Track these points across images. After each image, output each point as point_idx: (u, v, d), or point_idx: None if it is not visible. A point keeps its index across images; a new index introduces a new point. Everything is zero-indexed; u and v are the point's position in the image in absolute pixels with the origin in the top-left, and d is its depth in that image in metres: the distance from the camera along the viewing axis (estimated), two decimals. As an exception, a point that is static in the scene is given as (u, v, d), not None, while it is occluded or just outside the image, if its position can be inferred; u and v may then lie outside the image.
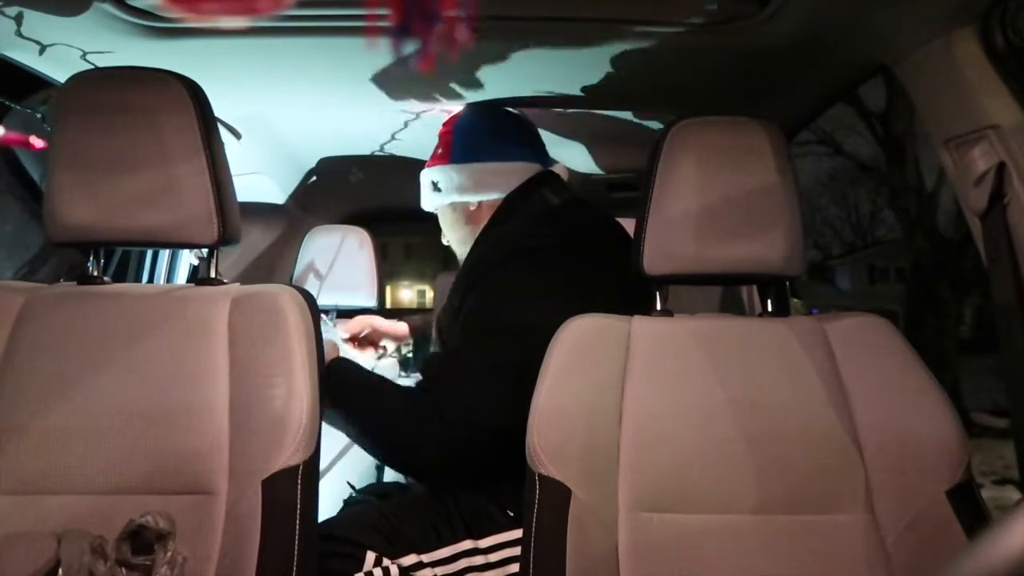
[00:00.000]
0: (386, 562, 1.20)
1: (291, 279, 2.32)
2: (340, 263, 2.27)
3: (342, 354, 1.49)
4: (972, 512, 1.02)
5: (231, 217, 1.15)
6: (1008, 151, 1.06)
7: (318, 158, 2.16)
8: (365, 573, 1.19)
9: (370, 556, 1.20)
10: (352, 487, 1.61)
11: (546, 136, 1.85)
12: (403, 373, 1.89)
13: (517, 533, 1.21)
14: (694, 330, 1.16)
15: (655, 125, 1.79)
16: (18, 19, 1.18)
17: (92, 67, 1.26)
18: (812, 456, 1.08)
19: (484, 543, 1.26)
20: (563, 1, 1.19)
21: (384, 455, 1.36)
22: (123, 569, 0.89)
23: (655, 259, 1.17)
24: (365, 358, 1.72)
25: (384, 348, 1.77)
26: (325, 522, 1.29)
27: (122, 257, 1.91)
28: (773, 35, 1.23)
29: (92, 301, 1.12)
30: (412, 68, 1.32)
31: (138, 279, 2.01)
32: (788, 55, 1.30)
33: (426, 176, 1.55)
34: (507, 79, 1.49)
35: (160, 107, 1.11)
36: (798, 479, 1.07)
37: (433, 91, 1.56)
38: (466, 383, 1.24)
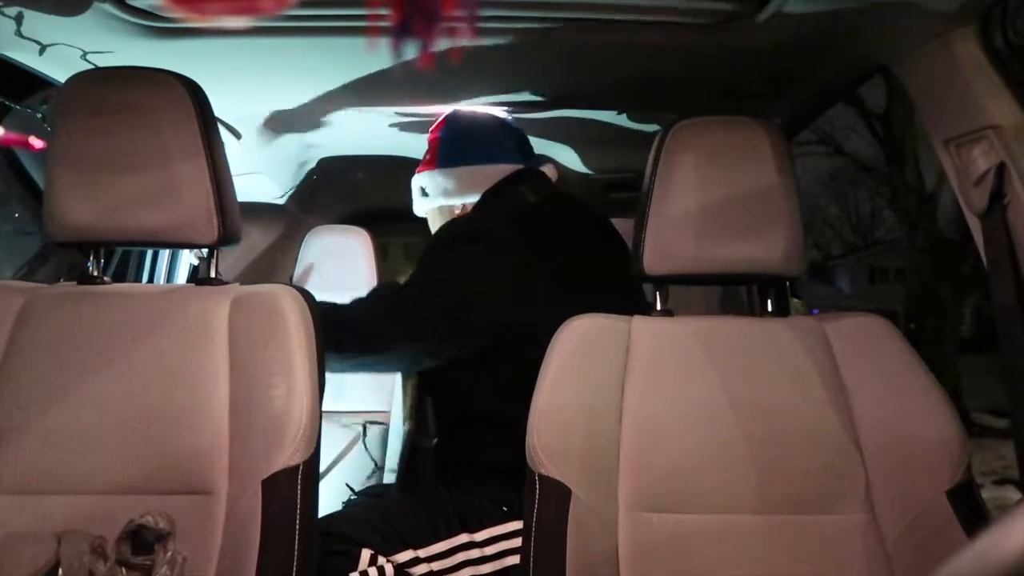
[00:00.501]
0: (381, 560, 1.21)
1: (291, 279, 2.32)
2: (340, 263, 2.27)
3: None
4: (972, 512, 1.02)
5: (231, 217, 1.15)
6: (1008, 151, 1.06)
7: (318, 158, 2.16)
8: (360, 572, 1.19)
9: (365, 554, 1.20)
10: (351, 488, 1.61)
11: (546, 136, 1.85)
12: None
13: (513, 526, 1.22)
14: (694, 330, 1.16)
15: (655, 125, 1.79)
16: (18, 19, 1.18)
17: (92, 67, 1.26)
18: (812, 456, 1.08)
19: (480, 536, 1.26)
20: (563, 2, 1.19)
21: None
22: (123, 569, 0.89)
23: (655, 259, 1.17)
24: None
25: None
26: (320, 519, 1.30)
27: (122, 257, 1.91)
28: (773, 35, 1.23)
29: (92, 301, 1.12)
30: (412, 68, 1.32)
31: (138, 279, 2.01)
32: (788, 55, 1.30)
33: (415, 182, 1.59)
34: (507, 79, 1.49)
35: (160, 107, 1.11)
36: (798, 479, 1.07)
37: (433, 91, 1.56)
38: (401, 314, 1.36)
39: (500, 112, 1.67)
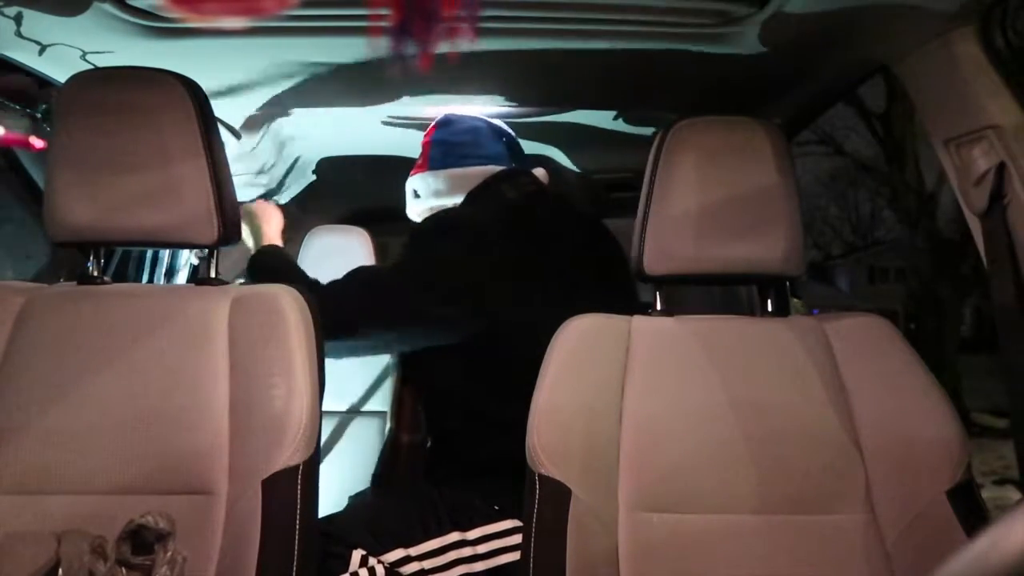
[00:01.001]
0: (372, 561, 1.20)
1: None
2: (340, 263, 2.26)
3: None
4: (972, 512, 1.02)
5: (231, 217, 1.15)
6: (1008, 151, 1.06)
7: (318, 158, 2.16)
8: (351, 573, 1.19)
9: (356, 555, 1.20)
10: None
11: (546, 137, 1.85)
12: None
13: (504, 524, 1.22)
14: (694, 330, 1.16)
15: (655, 126, 1.79)
16: (18, 19, 1.17)
17: (92, 67, 1.26)
18: (812, 456, 1.08)
19: (472, 535, 1.26)
20: (563, 2, 1.19)
21: None
22: (123, 569, 0.89)
23: (655, 259, 1.17)
24: None
25: None
26: None
27: (122, 257, 1.91)
28: (773, 35, 1.23)
29: (92, 301, 1.12)
30: (412, 68, 1.32)
31: (138, 279, 2.01)
32: (788, 55, 1.30)
33: (408, 185, 1.61)
34: (507, 79, 1.49)
35: (160, 107, 1.11)
36: (798, 479, 1.07)
37: (433, 92, 1.57)
38: (381, 296, 1.38)
39: (500, 112, 1.68)
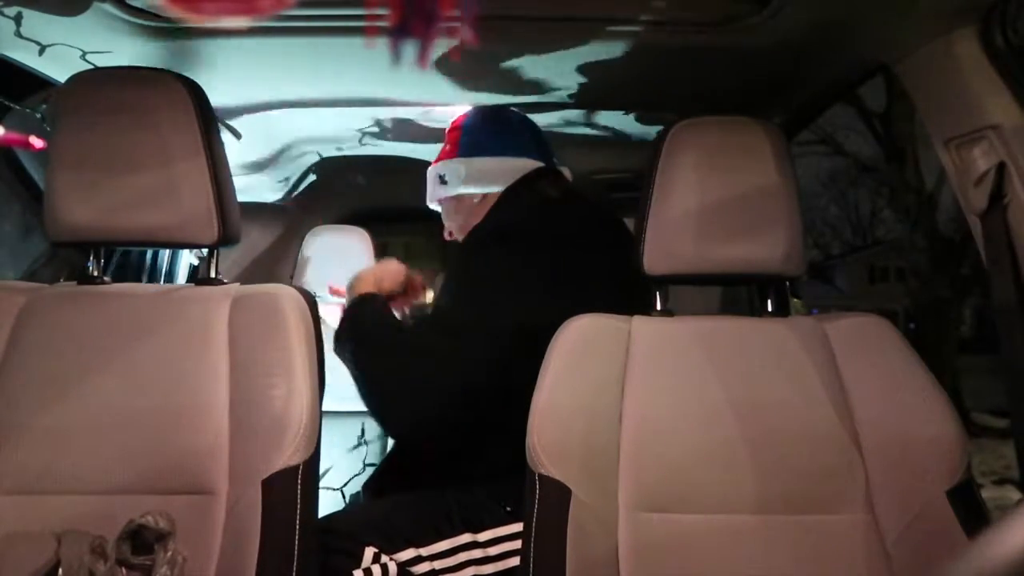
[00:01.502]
0: (384, 559, 1.20)
1: (291, 279, 2.32)
2: (340, 263, 2.26)
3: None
4: (972, 512, 1.02)
5: (231, 217, 1.15)
6: (1008, 151, 1.06)
7: (318, 158, 2.16)
8: (363, 570, 1.19)
9: (368, 552, 1.20)
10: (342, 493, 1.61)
11: (546, 136, 1.85)
12: None
13: (516, 527, 1.22)
14: (694, 330, 1.16)
15: (655, 125, 1.79)
16: (18, 19, 1.17)
17: (92, 67, 1.26)
18: (812, 456, 1.08)
19: (483, 536, 1.26)
20: (563, 1, 1.19)
21: (368, 398, 1.34)
22: (123, 569, 0.89)
23: (655, 259, 1.17)
24: None
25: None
26: (323, 518, 1.30)
27: (122, 257, 1.91)
28: (773, 35, 1.23)
29: (92, 301, 1.12)
30: (411, 68, 1.31)
31: (138, 279, 2.01)
32: (788, 55, 1.30)
33: (433, 171, 1.59)
34: (507, 79, 1.49)
35: (160, 107, 1.11)
36: (798, 479, 1.07)
37: (433, 91, 1.56)
38: (442, 349, 1.26)
39: None
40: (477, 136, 1.54)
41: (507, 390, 1.18)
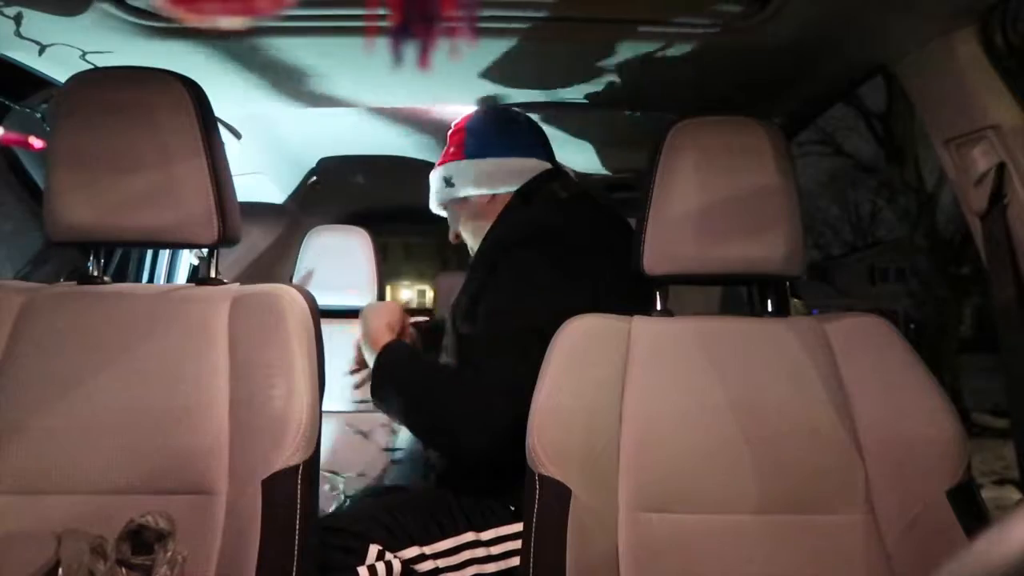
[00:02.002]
0: (388, 556, 1.21)
1: (291, 279, 2.32)
2: (340, 263, 2.27)
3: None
4: (972, 512, 1.02)
5: (231, 217, 1.15)
6: (1008, 151, 1.06)
7: (318, 158, 2.16)
8: (368, 566, 1.20)
9: (372, 549, 1.21)
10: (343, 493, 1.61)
11: (547, 136, 1.85)
12: None
13: (519, 527, 1.22)
14: (694, 330, 1.16)
15: (655, 125, 1.79)
16: (18, 19, 1.18)
17: (92, 67, 1.26)
18: (812, 456, 1.08)
19: (486, 535, 1.27)
20: (563, 1, 1.19)
21: (440, 443, 1.34)
22: (123, 569, 0.89)
23: (655, 259, 1.17)
24: None
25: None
26: (327, 515, 1.30)
27: (122, 257, 1.91)
28: (773, 35, 1.23)
29: (92, 301, 1.12)
30: (411, 68, 1.31)
31: (138, 279, 2.01)
32: (788, 55, 1.30)
33: (437, 173, 1.58)
34: (507, 79, 1.49)
35: (160, 107, 1.11)
36: (798, 479, 1.07)
37: (433, 91, 1.57)
38: (507, 356, 1.23)
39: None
40: (483, 137, 1.53)
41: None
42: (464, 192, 1.52)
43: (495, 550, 1.26)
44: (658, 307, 1.22)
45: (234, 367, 1.06)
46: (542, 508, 1.04)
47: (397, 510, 1.28)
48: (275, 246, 2.49)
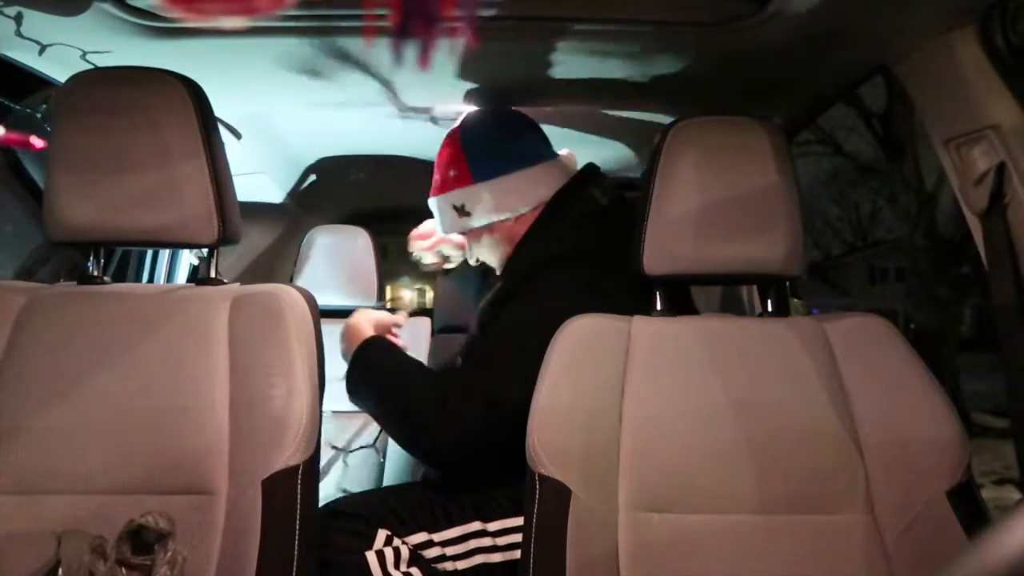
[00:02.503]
0: (396, 541, 1.22)
1: (291, 279, 2.32)
2: (340, 263, 2.27)
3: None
4: (972, 512, 1.02)
5: (231, 217, 1.15)
6: (1008, 151, 1.06)
7: (318, 158, 2.16)
8: (376, 551, 1.20)
9: (381, 534, 1.22)
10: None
11: (545, 135, 1.85)
12: None
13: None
14: (694, 330, 1.16)
15: (655, 125, 1.79)
16: (18, 19, 1.18)
17: (92, 67, 1.26)
18: (812, 456, 1.08)
19: (492, 526, 1.28)
20: (563, 1, 1.19)
21: (407, 438, 1.32)
22: (123, 569, 0.89)
23: (655, 259, 1.17)
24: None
25: (448, 258, 1.74)
26: (337, 500, 1.31)
27: (122, 257, 1.91)
28: (773, 35, 1.23)
29: (92, 301, 1.12)
30: (411, 68, 1.31)
31: (138, 279, 2.01)
32: (788, 55, 1.30)
33: (444, 201, 1.49)
34: (507, 79, 1.49)
35: (160, 107, 1.11)
36: (798, 479, 1.07)
37: (433, 91, 1.56)
38: (496, 369, 1.24)
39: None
40: (488, 152, 1.45)
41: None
42: (486, 220, 1.45)
43: (501, 541, 1.27)
44: (658, 307, 1.22)
45: (234, 367, 1.06)
46: (542, 508, 1.04)
47: (406, 498, 1.30)
48: (275, 246, 2.49)
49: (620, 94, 1.58)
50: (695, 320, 1.19)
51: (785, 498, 1.07)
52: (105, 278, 1.21)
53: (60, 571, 0.85)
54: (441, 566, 1.25)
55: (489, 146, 1.47)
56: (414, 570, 1.22)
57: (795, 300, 1.90)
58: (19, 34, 1.22)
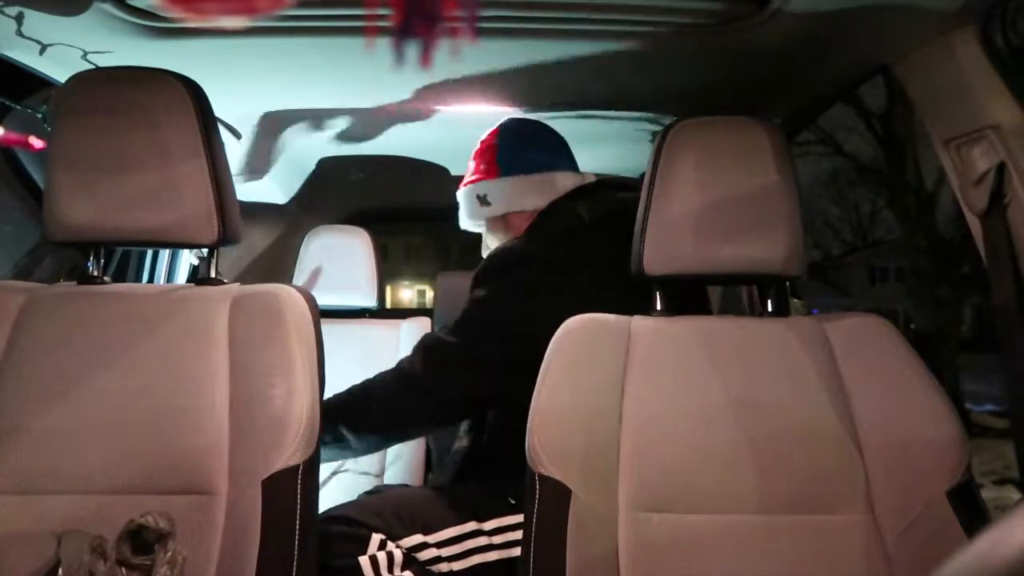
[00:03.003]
0: (390, 546, 1.23)
1: (291, 279, 2.32)
2: (340, 263, 2.27)
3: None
4: (972, 512, 1.02)
5: (231, 217, 1.15)
6: (1008, 151, 1.06)
7: (318, 158, 2.16)
8: (369, 556, 1.20)
9: (375, 539, 1.22)
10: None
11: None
12: None
13: (519, 518, 1.23)
14: (694, 330, 1.16)
15: (655, 125, 1.79)
16: (18, 19, 1.18)
17: (92, 67, 1.26)
18: (812, 456, 1.08)
19: (488, 526, 1.29)
20: (563, 2, 1.19)
21: (384, 434, 1.45)
22: (123, 569, 0.89)
23: (655, 259, 1.17)
24: None
25: None
26: (332, 507, 1.31)
27: (122, 257, 1.91)
28: (773, 35, 1.23)
29: (92, 301, 1.12)
30: (412, 68, 1.31)
31: (138, 279, 2.01)
32: (788, 55, 1.30)
33: (471, 192, 1.58)
34: (507, 79, 1.49)
35: (160, 107, 1.11)
36: (798, 479, 1.07)
37: (434, 91, 1.57)
38: (454, 370, 1.35)
39: (500, 112, 1.68)
40: (517, 152, 1.54)
41: (507, 399, 1.25)
42: (504, 209, 1.53)
43: (497, 540, 1.28)
44: (658, 307, 1.22)
45: (234, 367, 1.06)
46: (542, 508, 1.04)
47: (401, 501, 1.31)
48: (275, 246, 2.49)
49: (620, 94, 1.58)
50: (695, 320, 1.19)
51: (785, 498, 1.07)
52: (105, 278, 1.21)
53: (60, 571, 0.85)
54: (437, 568, 1.25)
55: (520, 147, 1.55)
56: (407, 574, 1.22)
57: (795, 300, 1.90)
58: (20, 34, 1.22)
